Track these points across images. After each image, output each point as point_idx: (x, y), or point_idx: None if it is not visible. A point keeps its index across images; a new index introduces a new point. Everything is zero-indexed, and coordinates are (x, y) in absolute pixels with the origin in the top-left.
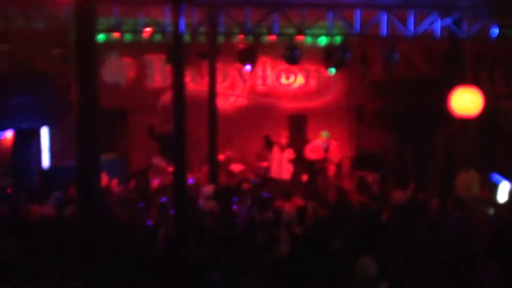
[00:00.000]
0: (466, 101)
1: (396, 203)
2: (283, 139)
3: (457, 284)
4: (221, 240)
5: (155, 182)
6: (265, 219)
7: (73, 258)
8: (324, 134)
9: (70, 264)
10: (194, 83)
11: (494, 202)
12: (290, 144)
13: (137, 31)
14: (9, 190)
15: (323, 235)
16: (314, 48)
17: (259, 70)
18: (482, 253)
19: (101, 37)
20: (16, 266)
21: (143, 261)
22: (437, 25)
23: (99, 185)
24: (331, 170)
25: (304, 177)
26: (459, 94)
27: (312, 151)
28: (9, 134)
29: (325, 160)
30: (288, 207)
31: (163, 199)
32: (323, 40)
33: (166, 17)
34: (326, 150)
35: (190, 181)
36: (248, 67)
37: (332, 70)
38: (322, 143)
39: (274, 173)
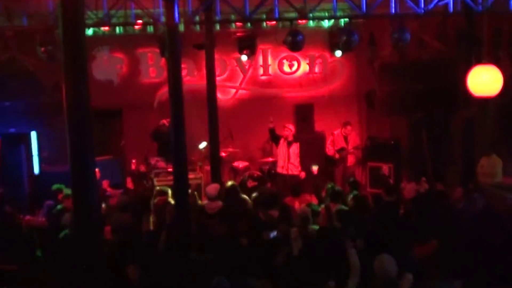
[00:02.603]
0: (484, 80)
1: (408, 196)
2: (289, 132)
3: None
4: (226, 242)
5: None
6: (270, 218)
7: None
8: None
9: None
10: (191, 76)
11: None
12: (297, 137)
13: (128, 24)
14: None
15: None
16: (318, 32)
17: (259, 59)
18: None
19: (89, 31)
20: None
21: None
22: None
23: (95, 190)
24: (350, 160)
25: (315, 170)
26: (476, 73)
27: (332, 145)
28: None
29: (343, 150)
30: (298, 205)
31: None
32: (326, 24)
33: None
34: (346, 139)
35: None
36: (244, 57)
37: (338, 53)
38: (341, 132)
39: (281, 169)
